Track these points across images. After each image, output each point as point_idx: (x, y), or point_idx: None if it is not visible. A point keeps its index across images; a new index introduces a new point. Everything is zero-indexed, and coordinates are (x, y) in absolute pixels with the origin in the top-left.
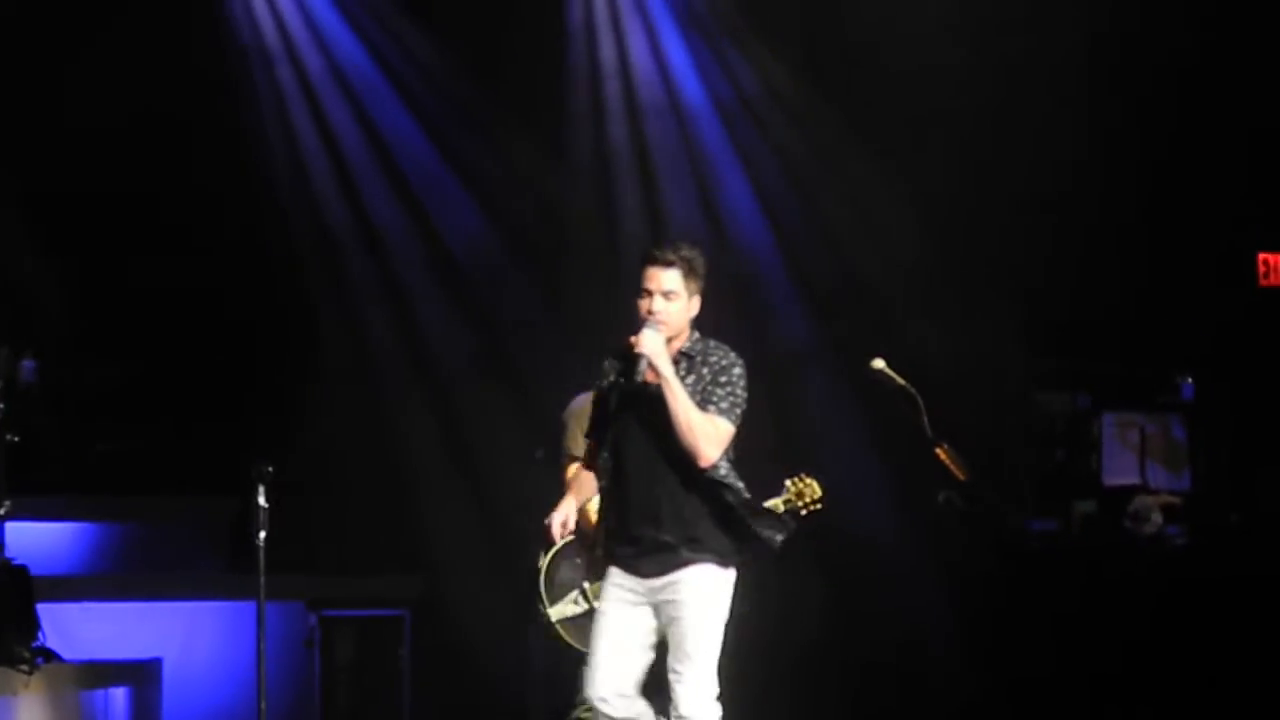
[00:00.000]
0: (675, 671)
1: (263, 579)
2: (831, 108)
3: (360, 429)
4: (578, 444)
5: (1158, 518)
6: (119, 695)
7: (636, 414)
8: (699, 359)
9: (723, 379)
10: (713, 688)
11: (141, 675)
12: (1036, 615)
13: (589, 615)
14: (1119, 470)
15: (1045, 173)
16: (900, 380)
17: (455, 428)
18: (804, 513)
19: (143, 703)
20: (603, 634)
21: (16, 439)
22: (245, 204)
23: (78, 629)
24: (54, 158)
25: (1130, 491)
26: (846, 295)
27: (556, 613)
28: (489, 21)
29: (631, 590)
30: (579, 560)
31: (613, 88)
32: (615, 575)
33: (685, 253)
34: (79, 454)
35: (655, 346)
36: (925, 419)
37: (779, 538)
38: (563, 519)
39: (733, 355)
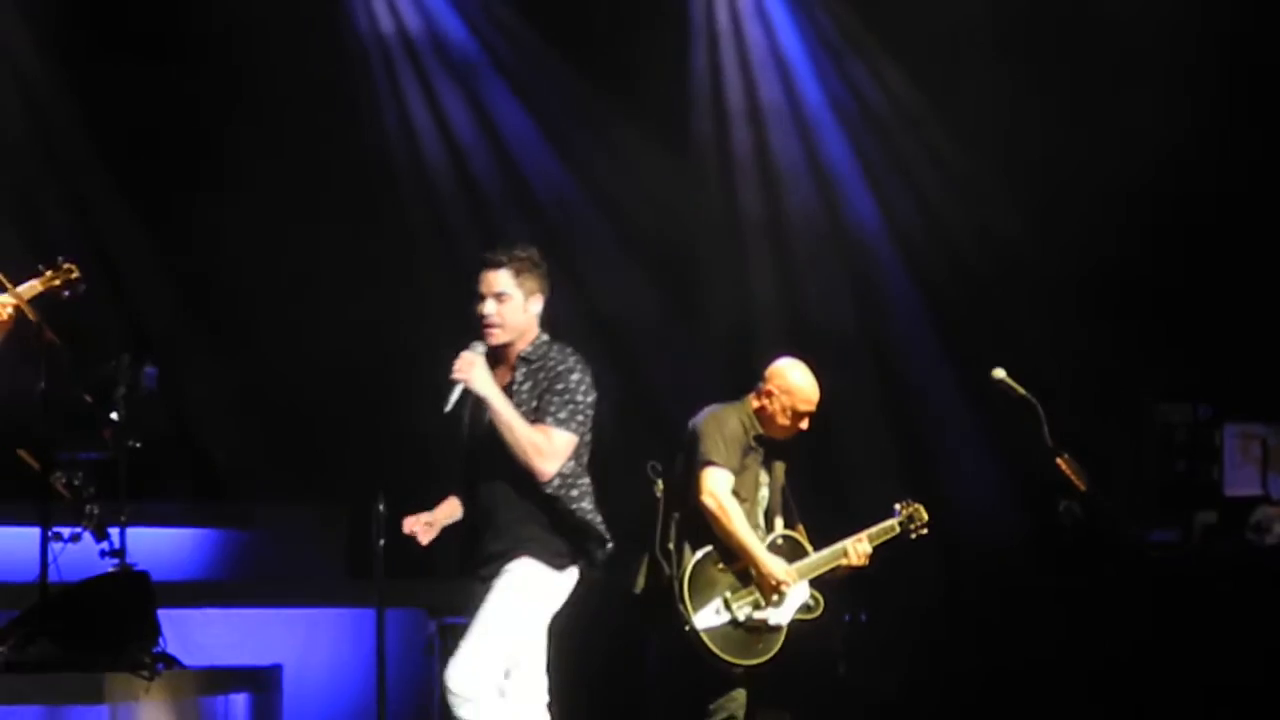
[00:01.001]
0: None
1: (381, 586)
2: (946, 111)
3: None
4: (719, 451)
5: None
6: (239, 701)
7: (477, 430)
8: (538, 364)
9: (559, 386)
10: (486, 666)
11: (262, 681)
12: (1157, 626)
13: (732, 624)
14: (1241, 481)
15: (1169, 175)
16: (1021, 390)
17: None
18: (913, 536)
19: (263, 709)
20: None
21: (138, 445)
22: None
23: (198, 635)
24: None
25: (1252, 502)
26: (967, 304)
27: (700, 621)
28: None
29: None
30: (721, 568)
31: (734, 89)
32: (472, 585)
33: (518, 252)
34: (200, 460)
35: (469, 370)
36: (1046, 429)
37: (600, 554)
38: (426, 520)
39: (573, 359)
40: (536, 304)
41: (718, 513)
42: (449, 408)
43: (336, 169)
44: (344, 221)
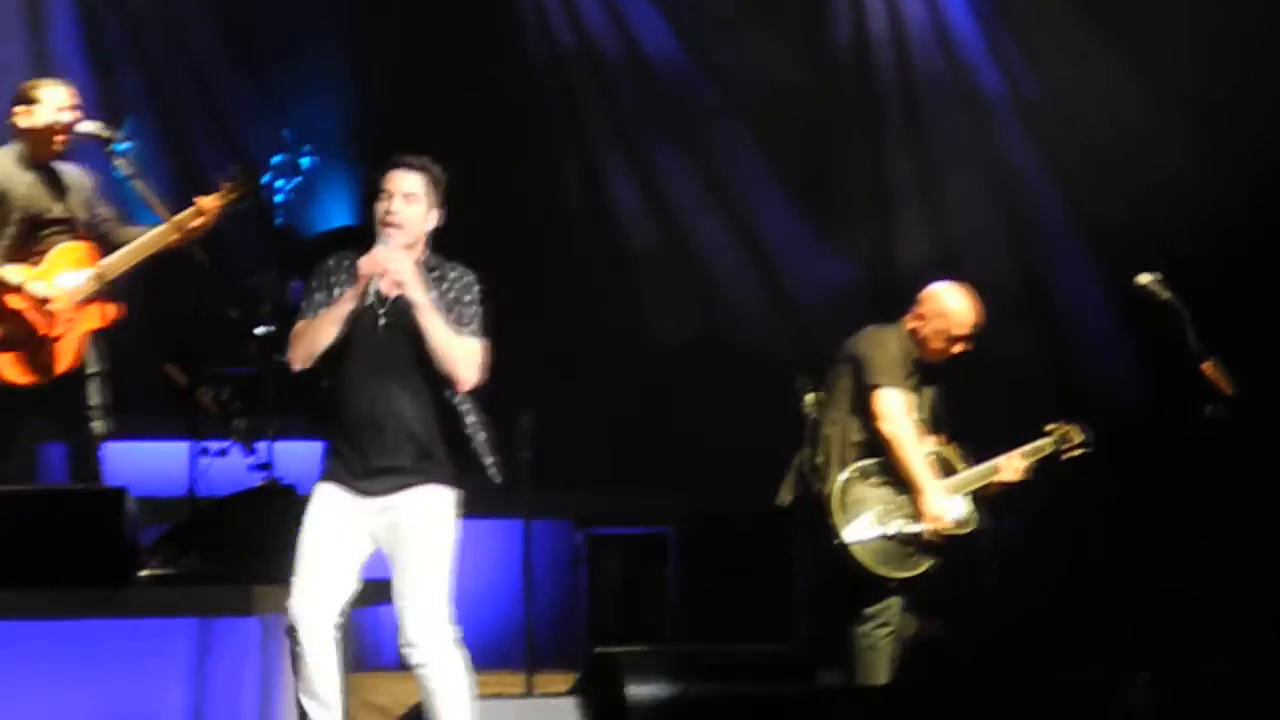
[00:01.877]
0: (402, 598)
1: (528, 498)
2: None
3: (624, 346)
4: (886, 373)
5: None
6: (389, 613)
7: (361, 331)
8: (438, 273)
9: (467, 297)
10: (444, 611)
11: None
12: None
13: (883, 539)
14: None
15: None
16: (1167, 294)
17: (720, 348)
18: (1064, 458)
19: None
20: (316, 553)
21: (285, 359)
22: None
23: None
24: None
25: None
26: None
27: (849, 534)
28: None
29: (349, 510)
30: (873, 483)
31: (879, 16)
32: (332, 493)
33: (431, 164)
34: None
35: (403, 267)
36: (1191, 334)
37: (496, 471)
38: None
39: (469, 272)
40: (434, 219)
41: (891, 437)
42: (368, 301)
43: None
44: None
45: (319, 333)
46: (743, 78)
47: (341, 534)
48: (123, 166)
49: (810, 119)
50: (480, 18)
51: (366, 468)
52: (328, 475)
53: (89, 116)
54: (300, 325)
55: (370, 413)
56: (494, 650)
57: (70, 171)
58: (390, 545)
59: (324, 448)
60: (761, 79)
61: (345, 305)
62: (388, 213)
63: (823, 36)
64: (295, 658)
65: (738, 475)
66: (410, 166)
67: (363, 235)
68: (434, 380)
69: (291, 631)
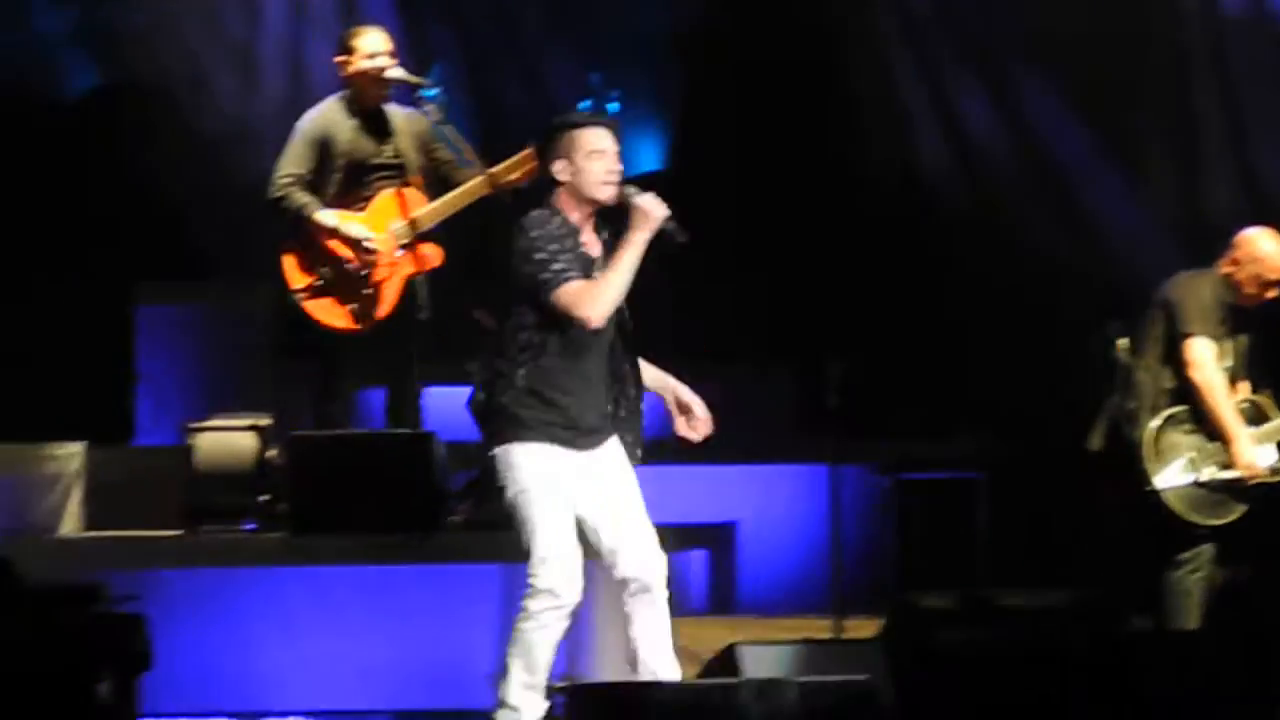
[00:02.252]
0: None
1: (835, 442)
2: None
3: (929, 288)
4: (1198, 321)
5: None
6: (697, 558)
7: None
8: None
9: None
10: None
11: (718, 538)
12: None
13: (1195, 485)
14: None
15: None
16: None
17: (1028, 290)
18: None
19: (719, 565)
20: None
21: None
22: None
23: (654, 492)
24: None
25: None
26: None
27: (1161, 481)
28: None
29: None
30: (1186, 430)
31: None
32: (558, 455)
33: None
34: (656, 317)
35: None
36: None
37: None
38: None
39: None
40: None
41: (1203, 386)
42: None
43: None
44: None
45: (621, 285)
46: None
47: (566, 492)
48: (432, 113)
49: (1119, 61)
50: None
51: (589, 424)
52: (549, 436)
53: (400, 63)
54: (585, 285)
55: (591, 370)
56: (803, 595)
57: (401, 116)
58: (595, 490)
59: (521, 402)
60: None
61: (638, 252)
62: (613, 171)
63: None
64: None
65: (1048, 419)
66: (613, 126)
67: (671, 180)
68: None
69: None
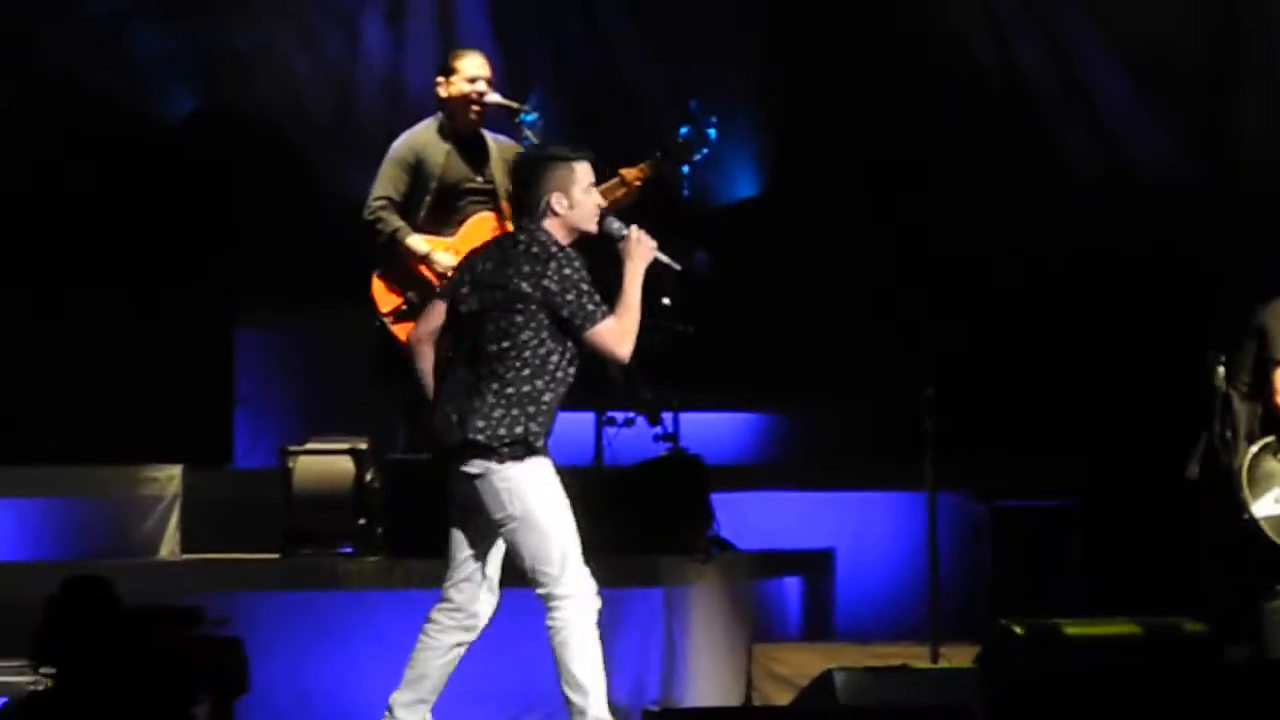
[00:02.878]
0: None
1: (931, 469)
2: None
3: (1023, 309)
4: None
5: None
6: (792, 585)
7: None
8: None
9: None
10: None
11: (814, 565)
12: None
13: None
14: None
15: None
16: None
17: (1127, 317)
18: None
19: (816, 592)
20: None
21: (691, 330)
22: None
23: (751, 519)
24: None
25: None
26: None
27: (1260, 509)
28: None
29: None
30: None
31: None
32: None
33: None
34: (752, 344)
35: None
36: None
37: None
38: None
39: None
40: None
41: None
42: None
43: None
44: None
45: (637, 321)
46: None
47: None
48: (530, 138)
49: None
50: None
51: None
52: (544, 450)
53: (497, 89)
54: (617, 322)
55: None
56: (899, 622)
57: (496, 142)
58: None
59: (538, 439)
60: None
61: (639, 284)
62: (600, 204)
63: None
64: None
65: (1145, 446)
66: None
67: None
68: None
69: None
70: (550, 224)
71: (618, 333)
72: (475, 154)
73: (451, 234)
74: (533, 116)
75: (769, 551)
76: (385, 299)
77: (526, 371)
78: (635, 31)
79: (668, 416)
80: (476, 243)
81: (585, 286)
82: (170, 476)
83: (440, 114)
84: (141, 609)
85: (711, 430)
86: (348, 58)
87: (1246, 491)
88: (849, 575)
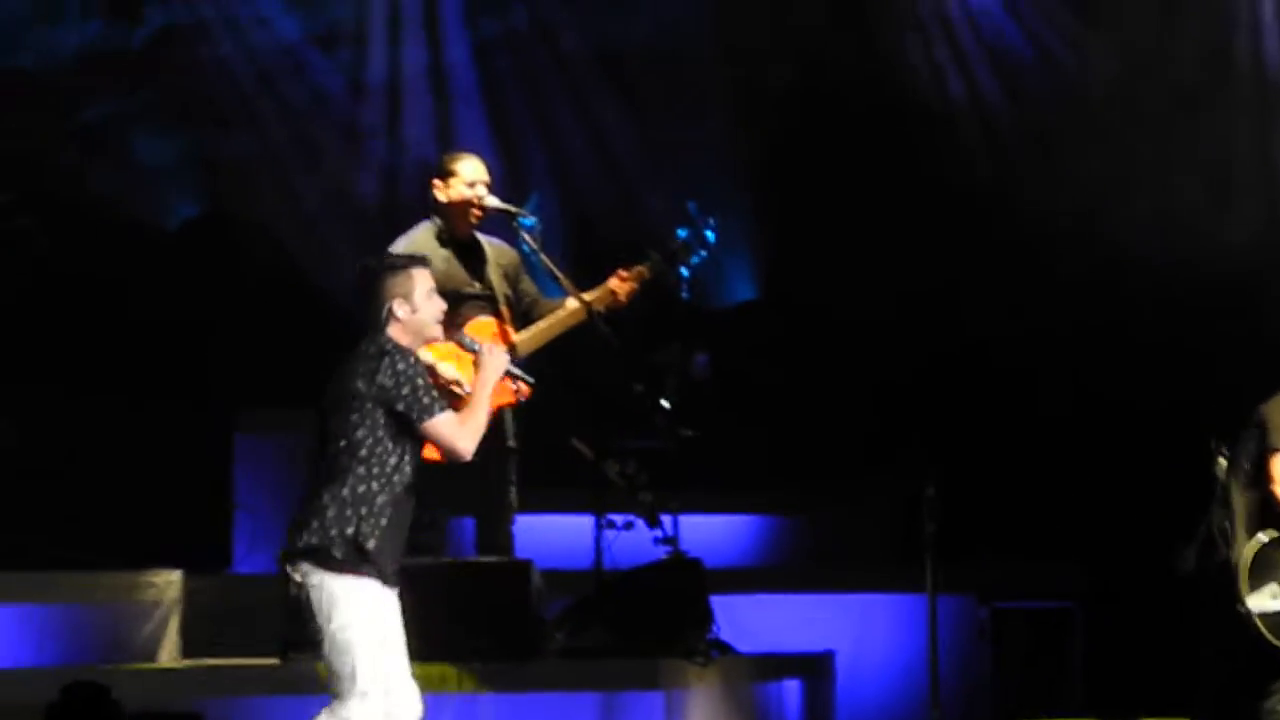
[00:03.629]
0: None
1: (932, 572)
2: None
3: (1019, 413)
4: None
5: None
6: (792, 687)
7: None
8: None
9: None
10: None
11: (815, 667)
12: None
13: None
14: None
15: None
16: None
17: (1121, 410)
18: None
19: (816, 695)
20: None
21: (690, 434)
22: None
23: (750, 621)
24: None
25: None
26: None
27: (1254, 604)
28: None
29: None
30: None
31: None
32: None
33: None
34: (751, 447)
35: None
36: None
37: None
38: None
39: None
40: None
41: None
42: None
43: None
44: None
45: (484, 425)
46: None
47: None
48: (528, 242)
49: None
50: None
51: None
52: (374, 571)
53: (495, 192)
54: (458, 418)
55: (409, 504)
56: None
57: (493, 247)
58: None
59: (368, 539)
60: None
61: (489, 395)
62: (443, 310)
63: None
64: None
65: (1144, 542)
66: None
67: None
68: None
69: None
70: (393, 330)
71: (457, 427)
72: (473, 259)
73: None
74: (531, 220)
75: (769, 654)
76: None
77: (361, 470)
78: (634, 131)
79: (667, 519)
80: None
81: (421, 382)
82: (170, 581)
83: (436, 218)
84: (141, 715)
85: (711, 532)
86: (347, 164)
87: (1244, 583)
88: (850, 678)
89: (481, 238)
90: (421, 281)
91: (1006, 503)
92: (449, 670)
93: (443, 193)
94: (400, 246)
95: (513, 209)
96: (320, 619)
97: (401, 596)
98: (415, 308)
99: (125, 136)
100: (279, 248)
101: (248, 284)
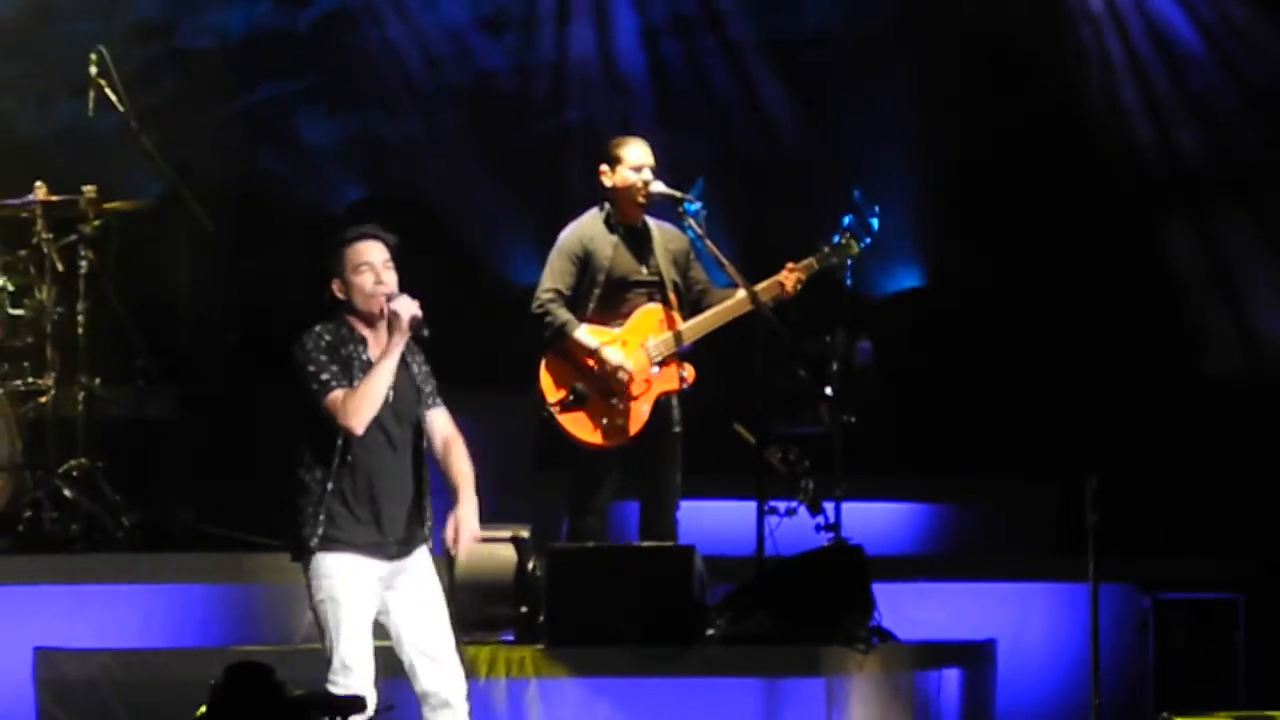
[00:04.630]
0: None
1: (1094, 561)
2: None
3: (1188, 405)
4: None
5: None
6: (952, 676)
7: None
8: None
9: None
10: None
11: (975, 656)
12: None
13: None
14: None
15: None
16: None
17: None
18: None
19: (976, 684)
20: (364, 628)
21: (853, 420)
22: None
23: (912, 609)
24: None
25: None
26: None
27: None
28: None
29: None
30: None
31: None
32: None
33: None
34: (913, 435)
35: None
36: None
37: None
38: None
39: None
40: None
41: None
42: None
43: None
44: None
45: (379, 391)
46: None
47: (371, 602)
48: (693, 227)
49: None
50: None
51: (397, 535)
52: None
53: (660, 177)
54: (346, 393)
55: (395, 478)
56: (1062, 715)
57: (663, 232)
58: (399, 602)
59: (327, 512)
60: None
61: (394, 357)
62: (379, 283)
63: None
64: None
65: None
66: (380, 238)
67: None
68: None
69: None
70: (345, 311)
71: (342, 402)
72: (641, 245)
73: (619, 325)
74: (696, 205)
75: (930, 643)
76: (553, 390)
77: (307, 456)
78: (804, 116)
79: (829, 506)
80: (644, 335)
81: (313, 365)
82: None
83: (605, 204)
84: (304, 699)
85: (873, 520)
86: (511, 143)
87: None
88: (1010, 667)
89: (652, 223)
90: (351, 256)
91: (1170, 492)
92: (612, 654)
93: (609, 178)
94: (569, 232)
95: (678, 194)
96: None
97: (564, 580)
98: (346, 284)
99: (290, 119)
100: (442, 230)
101: (412, 266)
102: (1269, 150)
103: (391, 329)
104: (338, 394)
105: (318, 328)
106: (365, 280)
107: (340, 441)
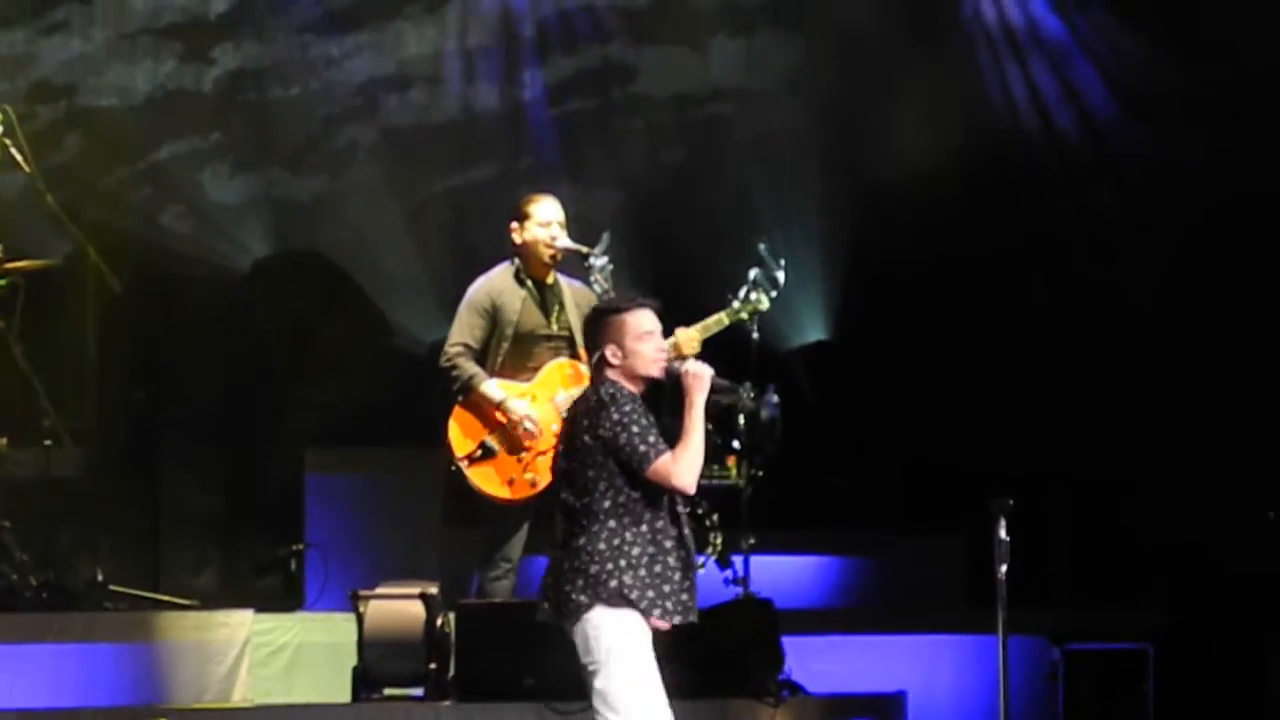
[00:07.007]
0: None
1: (1003, 614)
2: None
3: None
4: None
5: None
6: None
7: None
8: None
9: None
10: None
11: (885, 709)
12: None
13: None
14: None
15: None
16: None
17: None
18: None
19: None
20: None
21: (760, 473)
22: None
23: (821, 662)
24: None
25: None
26: None
27: None
28: None
29: None
30: None
31: None
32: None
33: None
34: (818, 488)
35: None
36: None
37: None
38: None
39: None
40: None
41: None
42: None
43: None
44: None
45: (701, 452)
46: None
47: None
48: (599, 282)
49: None
50: None
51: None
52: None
53: (569, 233)
54: (674, 458)
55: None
56: None
57: (574, 290)
58: None
59: (628, 575)
60: None
61: (701, 415)
62: (661, 350)
63: None
64: None
65: (1218, 586)
66: (652, 307)
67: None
68: None
69: None
70: (613, 375)
71: (671, 467)
72: (551, 300)
73: (527, 379)
74: (603, 260)
75: (840, 695)
76: (461, 443)
77: (612, 523)
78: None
79: (738, 560)
80: (553, 389)
81: (638, 428)
82: (241, 622)
83: (515, 259)
84: None
85: (783, 573)
86: (421, 201)
87: None
88: (921, 719)
89: (562, 280)
90: (633, 324)
91: (1078, 544)
92: (521, 710)
93: (519, 234)
94: (478, 286)
95: (584, 249)
96: (586, 656)
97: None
98: (627, 351)
99: (195, 177)
100: (351, 287)
101: (320, 323)
102: None
103: (691, 389)
104: (666, 460)
105: (615, 389)
106: (649, 347)
107: (655, 506)
